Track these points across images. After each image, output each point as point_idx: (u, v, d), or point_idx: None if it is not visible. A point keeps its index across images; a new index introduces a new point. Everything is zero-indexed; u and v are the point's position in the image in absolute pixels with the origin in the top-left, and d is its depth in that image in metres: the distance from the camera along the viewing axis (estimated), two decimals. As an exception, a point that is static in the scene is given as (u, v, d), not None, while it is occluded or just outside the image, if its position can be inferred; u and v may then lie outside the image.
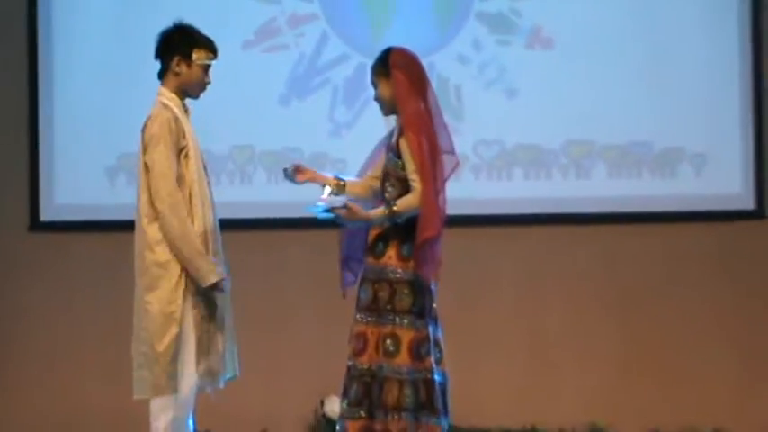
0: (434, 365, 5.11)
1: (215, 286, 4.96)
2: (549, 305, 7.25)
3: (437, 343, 5.18)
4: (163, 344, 4.99)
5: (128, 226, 6.87)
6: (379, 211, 5.14)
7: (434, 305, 5.16)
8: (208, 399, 6.41)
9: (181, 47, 5.14)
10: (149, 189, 5.00)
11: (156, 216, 4.95)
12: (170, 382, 4.95)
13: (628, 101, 7.20)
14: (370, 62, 6.46)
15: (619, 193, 7.22)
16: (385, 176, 5.21)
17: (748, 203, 7.19)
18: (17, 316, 7.25)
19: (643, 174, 7.23)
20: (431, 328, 5.16)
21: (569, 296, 7.24)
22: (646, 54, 7.22)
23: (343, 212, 5.09)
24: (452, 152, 5.17)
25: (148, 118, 5.08)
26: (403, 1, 7.21)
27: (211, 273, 4.94)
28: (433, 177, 5.08)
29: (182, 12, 7.03)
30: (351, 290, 5.24)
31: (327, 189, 5.23)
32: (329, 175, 5.31)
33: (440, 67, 7.04)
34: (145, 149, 5.02)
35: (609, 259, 7.25)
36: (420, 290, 5.11)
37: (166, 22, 6.89)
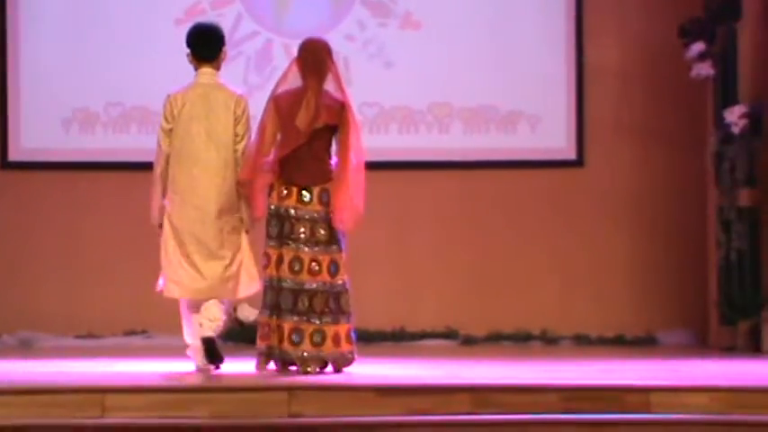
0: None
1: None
2: (416, 233, 8.16)
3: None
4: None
5: (77, 167, 7.92)
6: None
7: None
8: (148, 303, 7.42)
9: (224, 39, 6.08)
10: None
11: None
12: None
13: (479, 72, 8.14)
14: (275, 38, 7.64)
15: (472, 146, 8.19)
16: None
17: (571, 154, 8.20)
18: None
19: (491, 130, 8.19)
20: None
21: (432, 225, 8.15)
22: (493, 35, 8.16)
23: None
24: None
25: (240, 96, 5.95)
26: (302, -11, 8.08)
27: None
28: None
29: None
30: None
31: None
32: None
33: (332, 42, 7.41)
34: (239, 119, 5.88)
35: (464, 196, 8.17)
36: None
37: (115, 3, 8.00)
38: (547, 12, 8.20)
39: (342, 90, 5.91)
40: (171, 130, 5.92)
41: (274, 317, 5.87)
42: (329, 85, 5.91)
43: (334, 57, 5.97)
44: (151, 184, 5.95)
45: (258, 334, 5.92)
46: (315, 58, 5.89)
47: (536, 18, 8.20)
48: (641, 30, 8.21)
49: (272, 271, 5.86)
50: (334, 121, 5.89)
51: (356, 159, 5.92)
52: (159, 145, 5.95)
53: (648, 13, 8.20)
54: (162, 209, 5.93)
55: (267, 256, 5.88)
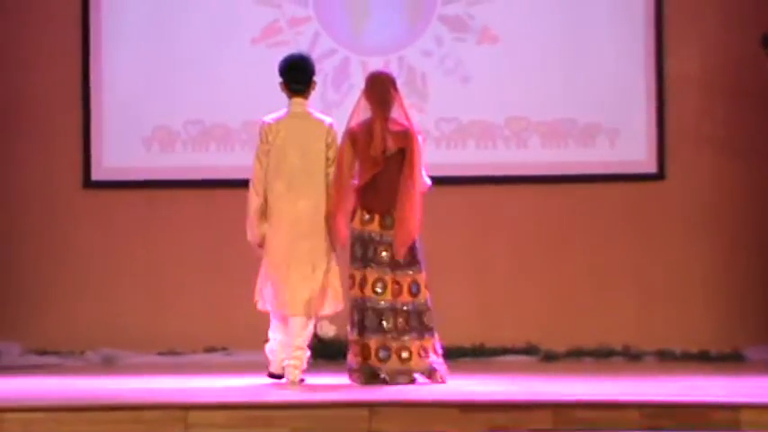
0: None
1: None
2: (494, 247, 8.13)
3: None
4: None
5: (157, 185, 7.99)
6: None
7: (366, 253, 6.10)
8: (228, 320, 7.59)
9: (314, 71, 6.39)
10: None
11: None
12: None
13: (556, 85, 8.11)
14: (352, 55, 7.54)
15: (550, 160, 8.14)
16: None
17: (652, 168, 8.12)
18: (72, 251, 8.17)
19: (569, 144, 8.15)
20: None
21: (510, 241, 8.13)
22: (570, 49, 8.13)
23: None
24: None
25: (331, 125, 6.23)
26: (378, 7, 8.16)
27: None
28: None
29: (205, 14, 8.26)
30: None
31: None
32: None
33: (409, 59, 8.10)
34: (330, 146, 6.18)
35: (543, 211, 8.14)
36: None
37: (192, 23, 8.11)
38: (625, 23, 8.17)
39: (407, 117, 6.21)
40: (267, 152, 6.18)
41: (362, 335, 6.11)
42: (395, 113, 6.21)
43: (398, 86, 6.28)
44: (249, 205, 6.17)
45: (350, 351, 6.17)
46: (380, 90, 6.21)
47: (615, 30, 8.17)
48: (723, 40, 8.13)
49: (356, 292, 6.13)
50: (403, 146, 6.15)
51: (419, 183, 6.20)
52: (256, 169, 6.19)
53: (730, 23, 8.12)
54: (259, 228, 6.17)
55: (352, 277, 6.16)
